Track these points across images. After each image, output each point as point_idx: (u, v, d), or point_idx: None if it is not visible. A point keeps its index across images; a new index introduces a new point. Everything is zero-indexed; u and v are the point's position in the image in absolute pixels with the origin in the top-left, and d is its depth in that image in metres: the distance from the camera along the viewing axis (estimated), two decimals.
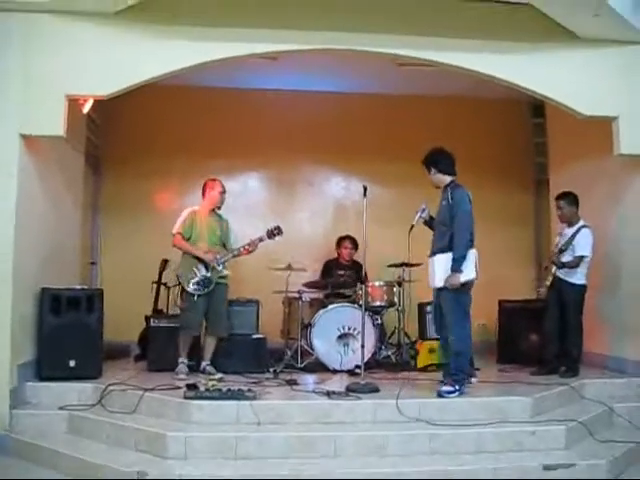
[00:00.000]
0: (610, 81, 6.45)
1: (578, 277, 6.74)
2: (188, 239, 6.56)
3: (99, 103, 6.74)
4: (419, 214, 6.10)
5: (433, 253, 5.93)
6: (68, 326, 6.20)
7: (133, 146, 8.73)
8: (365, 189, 6.04)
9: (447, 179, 5.98)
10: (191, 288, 6.45)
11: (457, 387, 5.69)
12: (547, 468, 4.88)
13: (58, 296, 6.23)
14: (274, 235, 6.78)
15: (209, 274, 6.50)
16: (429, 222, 6.13)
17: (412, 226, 6.08)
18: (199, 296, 6.46)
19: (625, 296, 6.96)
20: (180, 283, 6.56)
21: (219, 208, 6.82)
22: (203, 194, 6.79)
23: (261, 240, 6.72)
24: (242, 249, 6.69)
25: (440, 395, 5.66)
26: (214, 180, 6.80)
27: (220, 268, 6.55)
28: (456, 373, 5.77)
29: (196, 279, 6.46)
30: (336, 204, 9.25)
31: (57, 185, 6.97)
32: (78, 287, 6.69)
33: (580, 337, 6.85)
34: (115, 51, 6.00)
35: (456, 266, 5.67)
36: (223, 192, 6.79)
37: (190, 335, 6.59)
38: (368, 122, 9.01)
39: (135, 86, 6.11)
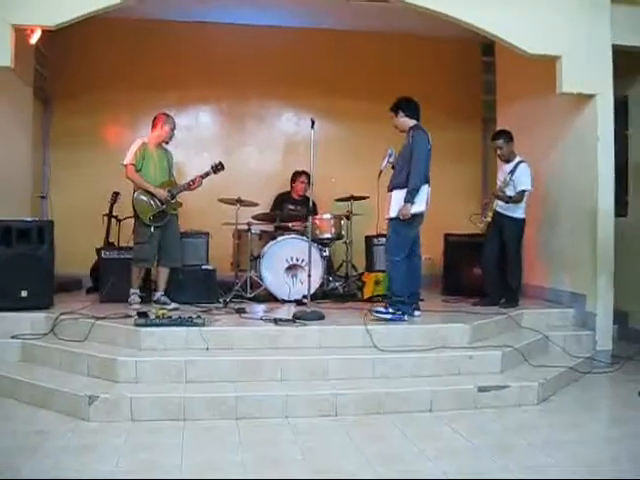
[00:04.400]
0: (554, 21, 6.55)
1: (518, 212, 6.96)
2: (139, 170, 6.56)
3: (47, 35, 6.63)
4: (386, 159, 6.31)
5: (391, 188, 6.17)
6: (19, 257, 6.23)
7: (83, 79, 8.62)
8: (313, 122, 6.15)
9: (411, 122, 6.23)
10: (148, 220, 6.49)
11: (390, 310, 6.03)
12: (481, 390, 5.16)
13: (8, 227, 6.25)
14: (218, 170, 6.81)
15: (164, 207, 6.55)
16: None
17: (380, 172, 6.31)
18: (155, 228, 6.53)
19: (564, 231, 7.22)
20: (137, 215, 6.58)
21: (167, 143, 6.81)
22: (154, 126, 6.75)
23: (206, 175, 6.76)
24: (190, 183, 6.73)
25: (372, 313, 6.04)
26: (167, 115, 6.77)
27: (173, 201, 6.62)
28: (390, 297, 6.13)
29: (152, 211, 6.51)
30: (286, 139, 9.29)
31: (5, 118, 6.95)
32: (29, 219, 6.72)
33: (519, 269, 7.13)
34: None
35: (409, 197, 5.97)
36: (173, 128, 6.78)
37: (144, 267, 6.67)
38: (319, 57, 9.02)
39: (84, 17, 5.99)
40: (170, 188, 6.61)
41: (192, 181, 6.74)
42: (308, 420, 4.79)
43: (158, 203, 6.53)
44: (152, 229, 6.50)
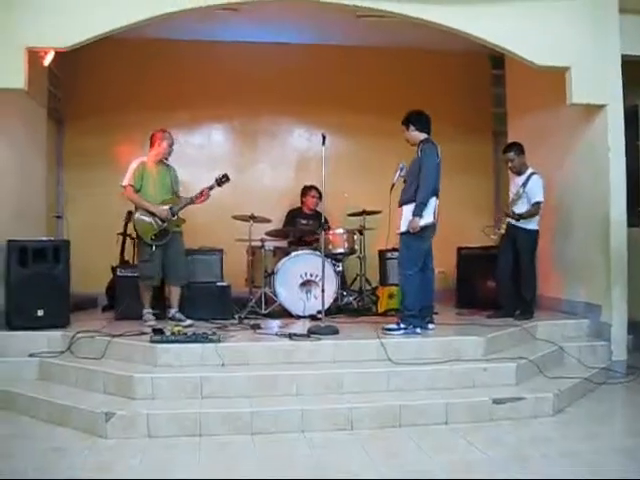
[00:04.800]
0: (563, 32, 6.58)
1: (532, 223, 6.96)
2: (139, 190, 6.60)
3: (60, 56, 6.74)
4: (398, 173, 6.34)
5: (402, 203, 6.22)
6: (35, 277, 6.28)
7: (95, 99, 8.73)
8: (324, 137, 6.22)
9: (421, 136, 6.28)
10: (149, 239, 6.54)
11: (402, 325, 6.08)
12: (496, 402, 5.14)
13: (25, 248, 6.31)
14: (222, 182, 6.80)
15: (165, 224, 6.58)
16: None
17: (393, 185, 6.33)
18: (157, 247, 6.57)
19: (577, 242, 7.21)
20: (138, 235, 6.65)
21: (166, 159, 6.84)
22: (151, 145, 6.77)
23: (211, 188, 6.75)
24: (195, 198, 6.74)
25: (384, 330, 6.08)
26: (163, 131, 6.79)
27: (175, 219, 6.64)
28: (402, 311, 6.17)
29: (154, 230, 6.54)
30: (298, 155, 9.34)
31: (21, 139, 7.02)
32: (44, 239, 6.79)
33: (534, 281, 7.13)
34: (75, 3, 5.99)
35: (417, 211, 6.01)
36: (172, 144, 6.81)
37: (150, 285, 6.69)
38: (329, 74, 9.09)
39: (96, 38, 6.09)
40: (172, 205, 6.64)
41: (195, 196, 6.75)
42: (324, 434, 4.80)
43: (159, 222, 6.57)
44: (153, 248, 6.55)
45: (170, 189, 6.78)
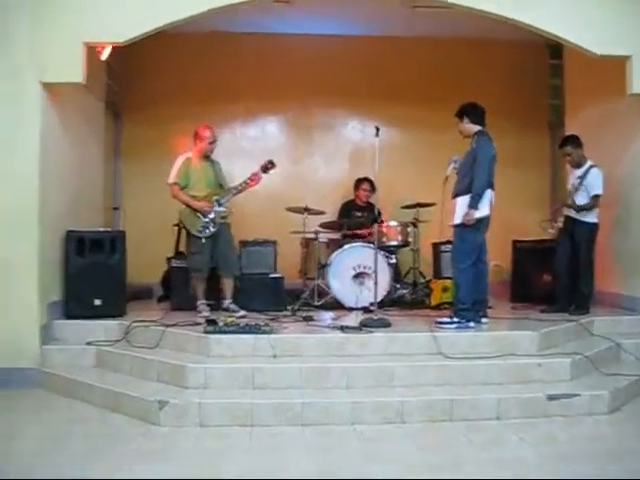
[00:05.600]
0: (623, 20, 6.41)
1: (590, 216, 6.84)
2: (185, 187, 6.69)
3: (117, 49, 6.84)
4: (452, 165, 6.33)
5: (455, 195, 6.19)
6: (92, 267, 6.43)
7: (152, 92, 8.85)
8: (377, 130, 6.20)
9: (475, 128, 6.23)
10: (197, 232, 6.62)
11: (454, 319, 6.03)
12: (551, 398, 5.07)
13: (82, 238, 6.46)
14: (268, 169, 6.81)
15: (212, 216, 6.63)
16: None
17: (446, 177, 6.32)
18: (206, 238, 6.63)
19: (635, 236, 7.06)
20: (186, 228, 6.74)
21: (208, 157, 6.87)
22: (195, 140, 6.84)
23: (255, 175, 6.77)
24: (240, 187, 6.77)
25: (437, 324, 6.05)
26: (205, 128, 6.81)
27: (222, 209, 6.69)
28: (455, 304, 6.12)
29: (200, 223, 6.62)
30: (352, 147, 9.32)
31: (80, 132, 7.16)
32: (101, 229, 6.93)
33: (591, 276, 6.99)
34: None
35: (473, 203, 5.97)
36: (212, 142, 6.83)
37: (201, 277, 6.76)
38: (383, 65, 9.06)
39: (152, 32, 6.17)
40: (217, 197, 6.70)
41: (241, 184, 6.78)
42: (374, 427, 4.80)
43: (206, 215, 6.64)
44: (203, 240, 6.62)
45: (216, 183, 6.84)
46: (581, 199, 6.84)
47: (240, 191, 6.81)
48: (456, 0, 6.32)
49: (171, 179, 6.72)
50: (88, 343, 6.07)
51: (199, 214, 6.64)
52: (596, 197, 6.79)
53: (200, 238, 6.61)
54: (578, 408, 5.08)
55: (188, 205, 6.67)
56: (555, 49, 8.91)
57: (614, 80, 6.72)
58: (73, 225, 6.57)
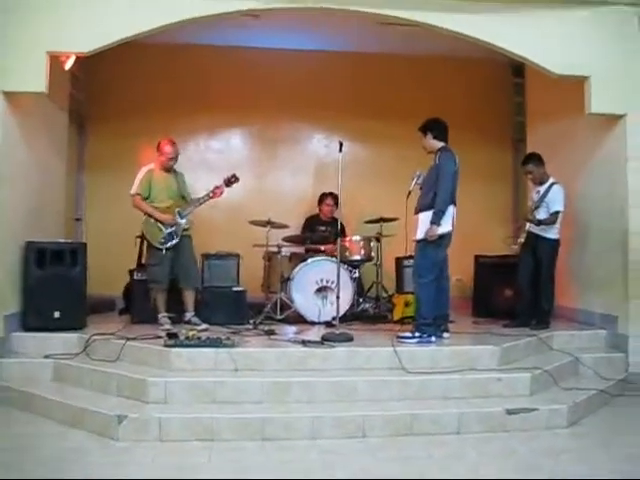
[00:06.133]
0: (582, 41, 6.56)
1: (552, 232, 6.93)
2: (147, 198, 6.67)
3: (82, 60, 6.81)
4: (415, 180, 6.35)
5: (419, 210, 6.22)
6: (52, 278, 6.35)
7: (117, 103, 8.80)
8: (341, 145, 6.24)
9: (439, 144, 6.26)
10: (158, 243, 6.59)
11: (416, 333, 6.06)
12: (510, 412, 5.11)
13: (43, 249, 6.38)
14: (231, 183, 6.85)
15: (173, 228, 6.63)
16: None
17: (409, 192, 6.35)
18: (167, 250, 6.61)
19: (594, 252, 7.16)
20: (147, 240, 6.71)
21: (167, 170, 6.83)
22: (157, 152, 6.80)
23: (218, 188, 6.79)
24: (202, 199, 6.77)
25: (399, 338, 6.05)
26: (167, 143, 6.77)
27: (183, 222, 6.69)
28: (417, 319, 6.15)
29: (162, 234, 6.60)
30: (317, 161, 9.35)
31: (41, 142, 7.09)
32: (62, 241, 6.85)
33: (552, 291, 7.07)
34: (96, 7, 6.05)
35: (435, 218, 5.99)
36: (172, 158, 6.79)
37: (160, 289, 6.72)
38: (350, 81, 9.11)
39: (117, 43, 6.16)
40: (179, 209, 6.69)
41: (203, 197, 6.78)
42: (335, 441, 4.79)
43: (167, 226, 6.63)
44: (163, 252, 6.60)
45: (178, 194, 6.83)
46: (542, 215, 6.93)
47: (202, 203, 6.80)
48: (420, 18, 6.43)
49: (133, 190, 6.70)
50: (46, 356, 5.96)
51: (160, 225, 6.61)
52: (556, 213, 6.88)
53: (161, 250, 6.59)
54: (537, 422, 5.13)
55: (150, 216, 6.64)
56: (518, 68, 9.05)
57: (573, 99, 6.84)
58: (33, 236, 6.49)
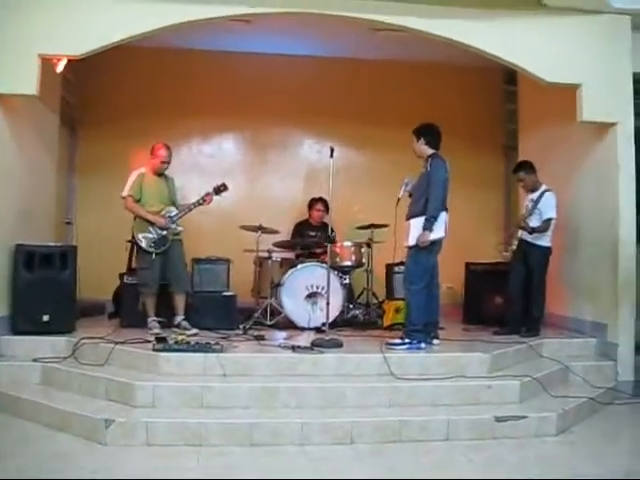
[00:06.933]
0: (574, 49, 6.61)
1: (543, 240, 6.95)
2: (138, 200, 6.67)
3: (74, 63, 6.79)
4: (404, 187, 6.35)
5: (410, 217, 6.20)
6: (42, 282, 6.31)
7: (109, 106, 8.79)
8: (332, 150, 6.24)
9: (430, 151, 6.25)
10: (148, 247, 6.58)
11: (405, 340, 6.05)
12: (499, 420, 5.10)
13: (32, 252, 6.34)
14: (220, 191, 6.87)
15: (164, 232, 6.62)
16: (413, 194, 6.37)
17: (398, 199, 6.34)
18: (156, 254, 6.59)
19: (585, 260, 7.18)
20: (137, 243, 6.68)
21: (160, 175, 6.84)
22: (150, 155, 6.81)
23: (208, 195, 6.81)
24: (192, 206, 6.78)
25: (388, 345, 6.04)
26: (162, 147, 6.78)
27: (174, 227, 6.68)
28: (407, 325, 6.14)
29: (152, 238, 6.59)
30: (308, 166, 9.35)
31: (32, 144, 7.06)
32: (52, 244, 6.81)
33: (542, 298, 7.08)
34: (88, 11, 6.05)
35: (427, 225, 5.99)
36: (165, 162, 6.79)
37: (150, 293, 6.69)
38: (342, 86, 9.13)
39: (109, 46, 6.16)
40: (170, 214, 6.69)
41: (193, 204, 6.80)
42: (323, 447, 4.78)
43: (158, 230, 6.61)
44: (153, 256, 6.58)
45: (169, 199, 6.82)
46: (534, 222, 6.93)
47: (191, 209, 6.80)
48: (410, 24, 6.46)
49: (125, 192, 6.69)
50: (35, 360, 5.92)
51: (152, 228, 6.59)
52: (548, 220, 6.90)
53: (151, 253, 6.57)
54: (526, 430, 5.12)
55: (142, 218, 6.62)
56: (510, 75, 9.05)
57: (565, 106, 6.87)
58: (23, 239, 6.45)
